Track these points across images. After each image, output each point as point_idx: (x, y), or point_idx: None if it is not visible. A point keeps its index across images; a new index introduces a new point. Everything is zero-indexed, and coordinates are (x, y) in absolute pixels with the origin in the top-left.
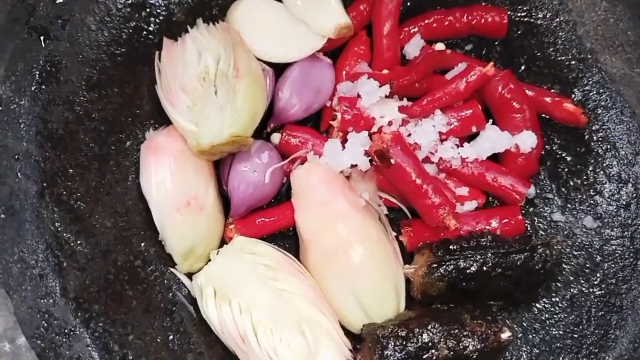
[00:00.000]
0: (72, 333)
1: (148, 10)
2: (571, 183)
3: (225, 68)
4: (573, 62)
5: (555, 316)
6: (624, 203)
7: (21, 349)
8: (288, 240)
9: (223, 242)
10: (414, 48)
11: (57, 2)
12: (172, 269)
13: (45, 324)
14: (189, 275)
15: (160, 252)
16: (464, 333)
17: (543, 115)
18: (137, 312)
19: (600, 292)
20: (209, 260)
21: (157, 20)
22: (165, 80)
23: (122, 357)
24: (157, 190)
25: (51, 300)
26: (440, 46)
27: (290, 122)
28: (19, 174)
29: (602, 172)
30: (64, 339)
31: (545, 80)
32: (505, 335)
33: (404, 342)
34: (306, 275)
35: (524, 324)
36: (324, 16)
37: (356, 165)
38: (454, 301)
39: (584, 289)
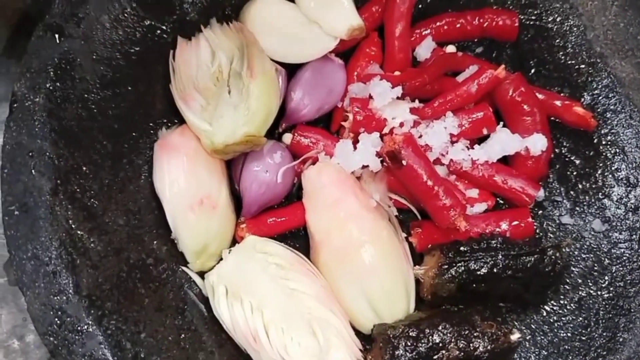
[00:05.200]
0: (84, 330)
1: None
2: (580, 186)
3: (238, 68)
4: (583, 66)
5: (563, 318)
6: (633, 206)
7: (30, 346)
8: (299, 240)
9: (234, 241)
10: (425, 50)
11: (73, 0)
12: (184, 268)
13: (58, 321)
14: (201, 274)
15: (172, 250)
16: (475, 334)
17: (552, 119)
18: (149, 310)
19: (608, 294)
20: (221, 259)
21: (171, 20)
22: (179, 80)
23: (134, 355)
24: (171, 189)
25: (64, 298)
26: (451, 48)
27: (302, 122)
28: (33, 171)
29: (610, 176)
30: (76, 336)
31: (555, 84)
32: (515, 336)
33: (415, 343)
34: (317, 275)
35: (533, 326)
36: (337, 17)
37: (367, 166)
38: (463, 302)
39: (592, 291)
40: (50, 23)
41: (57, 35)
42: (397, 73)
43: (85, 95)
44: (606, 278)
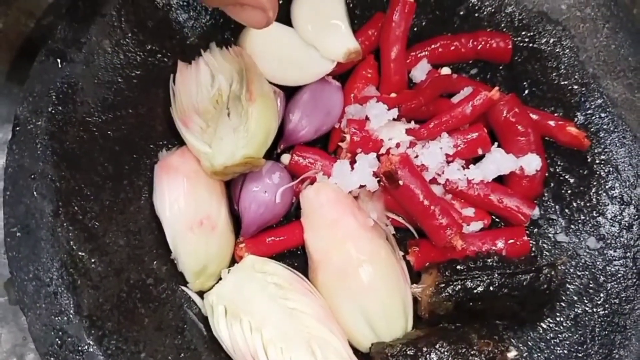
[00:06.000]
0: (85, 350)
1: None
2: (574, 204)
3: (238, 91)
4: (576, 87)
5: (559, 336)
6: (627, 224)
7: None
8: (297, 259)
9: (234, 261)
10: (420, 72)
11: (75, 25)
12: (183, 287)
13: (59, 342)
14: (200, 294)
15: (172, 270)
16: (472, 352)
17: (546, 138)
18: (149, 330)
19: (604, 312)
20: (220, 278)
21: (172, 44)
22: (179, 102)
23: None
24: (171, 210)
25: (65, 318)
26: (446, 70)
27: (300, 143)
28: (35, 193)
29: (604, 194)
30: (77, 357)
31: (549, 104)
32: (512, 354)
33: None
34: (316, 294)
35: (529, 344)
36: (334, 41)
37: (364, 185)
38: (460, 321)
39: (587, 308)
40: (53, 48)
41: (59, 60)
42: (393, 95)
43: (87, 119)
44: (601, 295)
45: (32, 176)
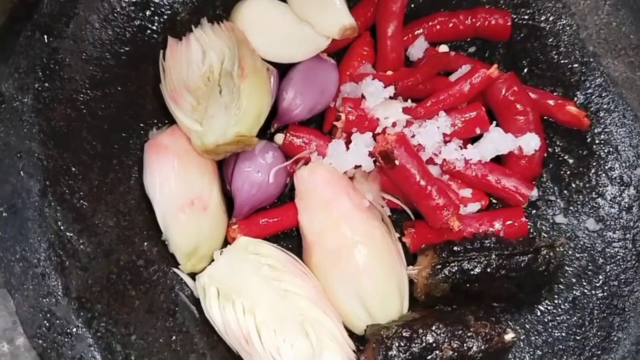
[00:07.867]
0: (74, 333)
1: (152, 9)
2: (573, 185)
3: (229, 67)
4: (576, 65)
5: (557, 318)
6: (626, 206)
7: (20, 350)
8: (291, 240)
9: (226, 242)
10: (417, 50)
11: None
12: (175, 269)
13: (47, 324)
14: (192, 276)
15: (163, 252)
16: (468, 334)
17: (545, 118)
18: (139, 312)
19: (602, 294)
20: (212, 260)
21: (162, 20)
22: (169, 80)
23: (124, 358)
24: (161, 190)
25: (53, 300)
26: (443, 48)
27: (294, 122)
28: (21, 172)
29: (604, 175)
30: (66, 339)
31: (548, 83)
32: (509, 336)
33: (408, 343)
34: (310, 276)
35: (527, 326)
36: (329, 17)
37: (360, 166)
38: (457, 302)
39: (586, 291)
40: (39, 23)
41: (45, 36)
42: (389, 73)
43: (74, 96)
44: (600, 277)
45: (19, 154)
